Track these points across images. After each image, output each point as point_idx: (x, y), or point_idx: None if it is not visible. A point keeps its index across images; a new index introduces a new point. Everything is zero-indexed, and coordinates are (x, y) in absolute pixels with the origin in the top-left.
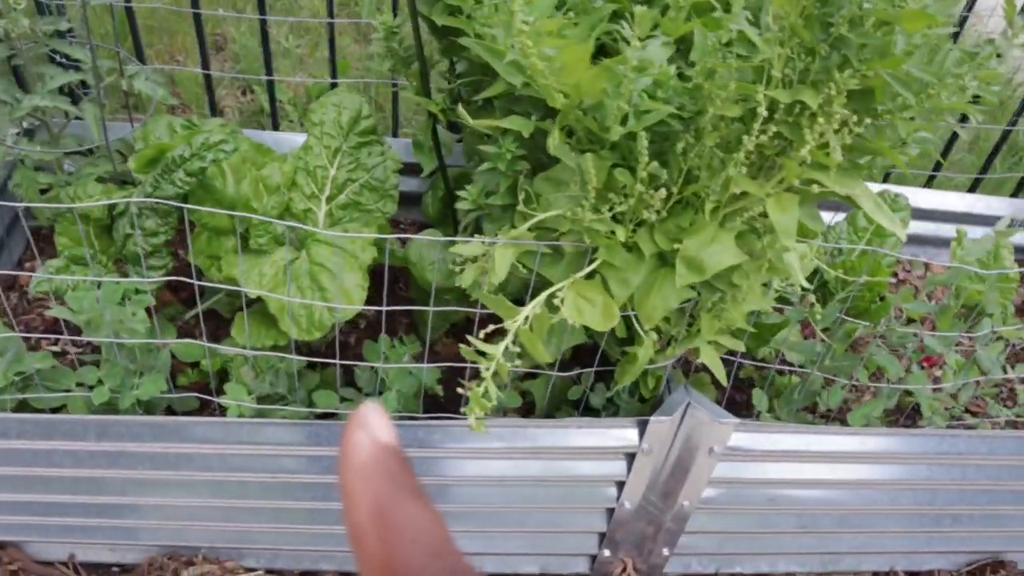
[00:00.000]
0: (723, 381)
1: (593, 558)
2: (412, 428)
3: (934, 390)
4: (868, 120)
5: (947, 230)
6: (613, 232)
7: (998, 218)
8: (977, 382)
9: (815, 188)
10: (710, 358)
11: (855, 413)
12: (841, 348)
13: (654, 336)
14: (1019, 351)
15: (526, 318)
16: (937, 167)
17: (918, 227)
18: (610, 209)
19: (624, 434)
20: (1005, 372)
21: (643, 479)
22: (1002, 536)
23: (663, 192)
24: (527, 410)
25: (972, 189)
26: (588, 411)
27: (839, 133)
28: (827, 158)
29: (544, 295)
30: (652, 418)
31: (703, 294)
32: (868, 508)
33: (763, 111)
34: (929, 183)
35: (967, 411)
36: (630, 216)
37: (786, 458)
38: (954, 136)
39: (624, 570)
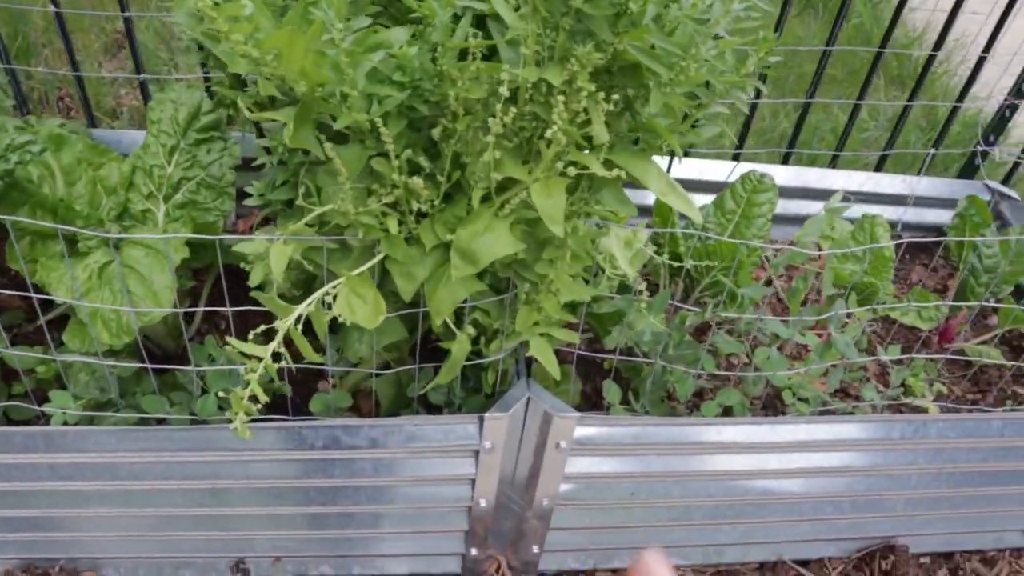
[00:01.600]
0: (555, 374)
1: (463, 557)
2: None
3: (792, 376)
4: (620, 97)
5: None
6: (385, 225)
7: (885, 195)
8: (864, 366)
9: (573, 170)
10: (540, 351)
11: (708, 404)
12: (680, 336)
13: (470, 331)
14: (902, 331)
15: (299, 317)
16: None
17: (799, 206)
18: (379, 201)
19: (464, 431)
20: (872, 354)
21: (493, 476)
22: (889, 520)
23: (420, 182)
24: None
25: (879, 168)
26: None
27: (599, 111)
28: (590, 139)
29: (318, 293)
30: (487, 415)
31: (519, 285)
32: (740, 499)
33: (504, 91)
34: (833, 162)
35: (848, 395)
36: (408, 208)
37: (642, 451)
38: (855, 110)
39: (498, 568)
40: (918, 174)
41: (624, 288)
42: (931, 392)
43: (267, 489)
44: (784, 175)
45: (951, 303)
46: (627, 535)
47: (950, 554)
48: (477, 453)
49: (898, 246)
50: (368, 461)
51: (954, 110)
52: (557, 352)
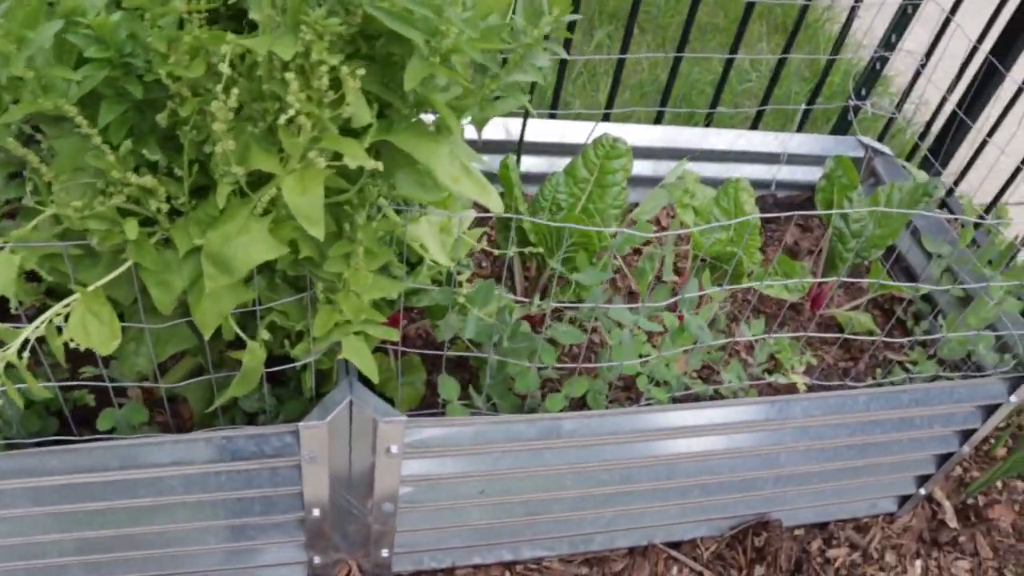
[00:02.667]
0: (372, 376)
1: (308, 564)
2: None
3: (643, 363)
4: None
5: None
6: (120, 227)
7: (758, 153)
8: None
9: (328, 161)
10: (355, 352)
11: (553, 397)
12: (512, 327)
13: (264, 335)
14: (772, 300)
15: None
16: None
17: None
18: (108, 200)
19: (281, 442)
20: (734, 332)
21: (322, 485)
22: (760, 498)
23: (150, 179)
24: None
25: (756, 123)
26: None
27: (352, 88)
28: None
29: (49, 313)
30: (302, 424)
31: (316, 284)
32: (601, 490)
33: (225, 68)
34: (709, 120)
35: (714, 371)
36: (158, 207)
37: (484, 450)
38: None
39: (349, 573)
40: (797, 130)
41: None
42: (801, 363)
43: (67, 514)
44: (651, 135)
45: (808, 280)
46: (484, 532)
47: (824, 524)
48: (298, 464)
49: (765, 209)
50: (177, 479)
51: (830, 62)
52: (390, 344)
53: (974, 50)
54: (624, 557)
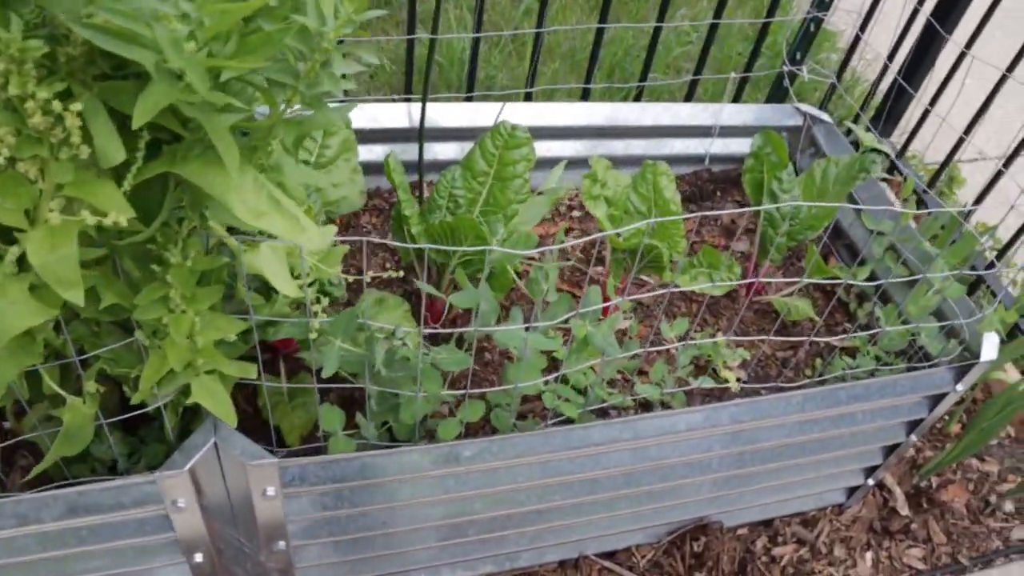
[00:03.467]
0: (229, 421)
1: None
2: None
3: (546, 382)
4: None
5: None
6: None
7: (688, 127)
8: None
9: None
10: (206, 394)
11: (446, 424)
12: (384, 356)
13: (92, 388)
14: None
15: None
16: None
17: (592, 147)
18: None
19: (141, 492)
20: (655, 331)
21: (197, 531)
22: (696, 503)
23: None
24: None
25: (688, 97)
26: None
27: (73, 121)
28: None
29: None
30: (158, 474)
31: (142, 329)
32: (518, 510)
33: None
34: (640, 94)
35: (642, 373)
36: None
37: (375, 483)
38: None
39: None
40: (735, 98)
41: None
42: (735, 358)
43: None
44: (572, 114)
45: (727, 283)
46: (396, 560)
47: (769, 521)
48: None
49: (700, 185)
50: (31, 537)
51: (765, 24)
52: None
53: (914, 13)
54: (554, 572)
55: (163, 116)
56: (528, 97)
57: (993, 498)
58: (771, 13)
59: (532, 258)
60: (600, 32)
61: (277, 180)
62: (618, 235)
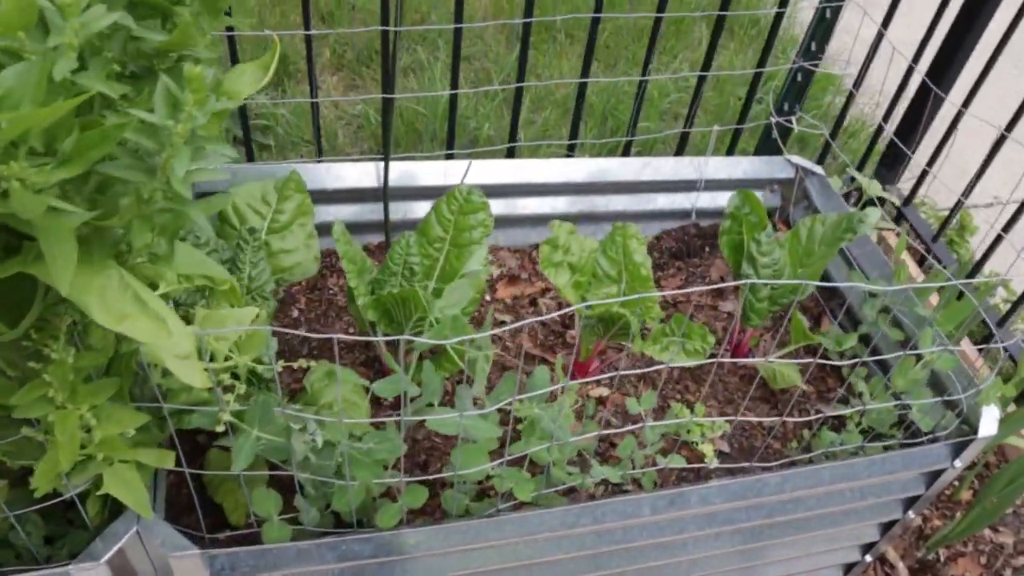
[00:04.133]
0: (144, 512)
1: None
2: None
3: (500, 463)
4: None
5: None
6: None
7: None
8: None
9: None
10: (120, 484)
11: (387, 509)
12: (309, 444)
13: None
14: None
15: None
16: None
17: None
18: None
19: None
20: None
21: None
22: None
23: None
24: None
25: (680, 149)
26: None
27: None
28: None
29: None
30: (73, 566)
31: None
32: None
33: None
34: (627, 149)
35: (613, 445)
36: None
37: (316, 570)
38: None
39: None
40: (729, 150)
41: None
42: (714, 430)
43: None
44: (551, 170)
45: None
46: None
47: None
48: None
49: (687, 241)
50: None
51: (759, 73)
52: None
53: (923, 45)
54: None
55: (6, 217)
56: (511, 152)
57: (1008, 572)
58: (763, 61)
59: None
60: (583, 87)
61: (158, 274)
62: (588, 307)
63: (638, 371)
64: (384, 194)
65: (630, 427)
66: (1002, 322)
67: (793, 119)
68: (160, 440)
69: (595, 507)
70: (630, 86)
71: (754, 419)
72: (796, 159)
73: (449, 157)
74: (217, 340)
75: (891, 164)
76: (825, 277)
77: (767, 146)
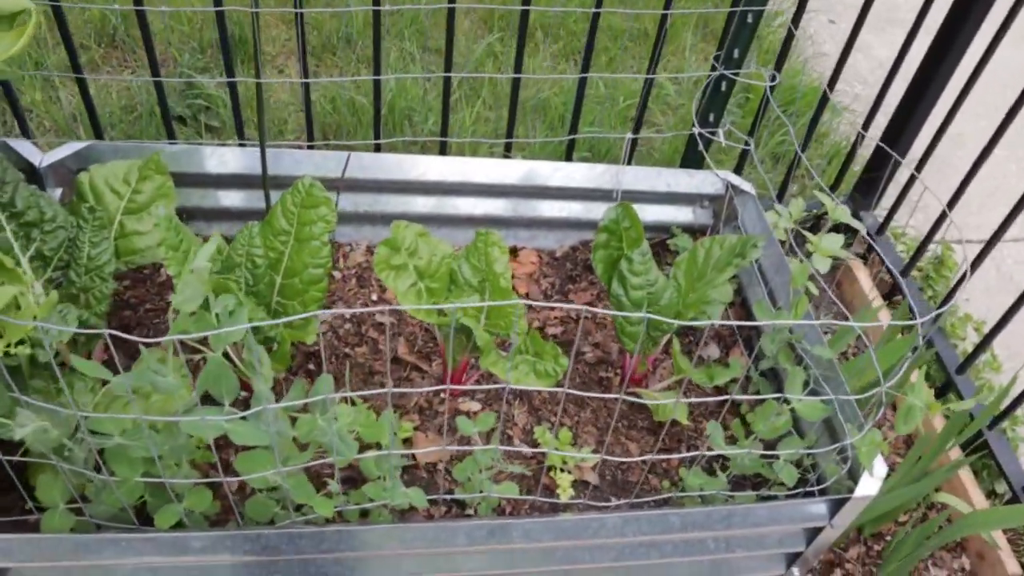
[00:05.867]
0: None
1: None
2: None
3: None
4: None
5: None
6: None
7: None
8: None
9: None
10: None
11: (164, 512)
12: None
13: None
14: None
15: None
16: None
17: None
18: None
19: None
20: (398, 448)
21: None
22: None
23: None
24: None
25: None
26: None
27: None
28: None
29: None
30: None
31: None
32: None
33: None
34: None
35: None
36: None
37: (100, 568)
38: (581, 83)
39: None
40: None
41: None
42: (584, 460)
43: None
44: (440, 169)
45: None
46: None
47: None
48: None
49: None
50: None
51: (719, 79)
52: None
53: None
54: None
55: None
56: (443, 148)
57: None
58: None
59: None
60: (516, 84)
61: None
62: (441, 313)
63: (486, 387)
64: (264, 182)
65: (467, 447)
66: (962, 368)
67: (720, 131)
68: None
69: (404, 529)
70: (595, 90)
71: (615, 458)
72: (724, 174)
73: (377, 148)
74: None
75: (867, 189)
76: (744, 304)
77: (692, 160)
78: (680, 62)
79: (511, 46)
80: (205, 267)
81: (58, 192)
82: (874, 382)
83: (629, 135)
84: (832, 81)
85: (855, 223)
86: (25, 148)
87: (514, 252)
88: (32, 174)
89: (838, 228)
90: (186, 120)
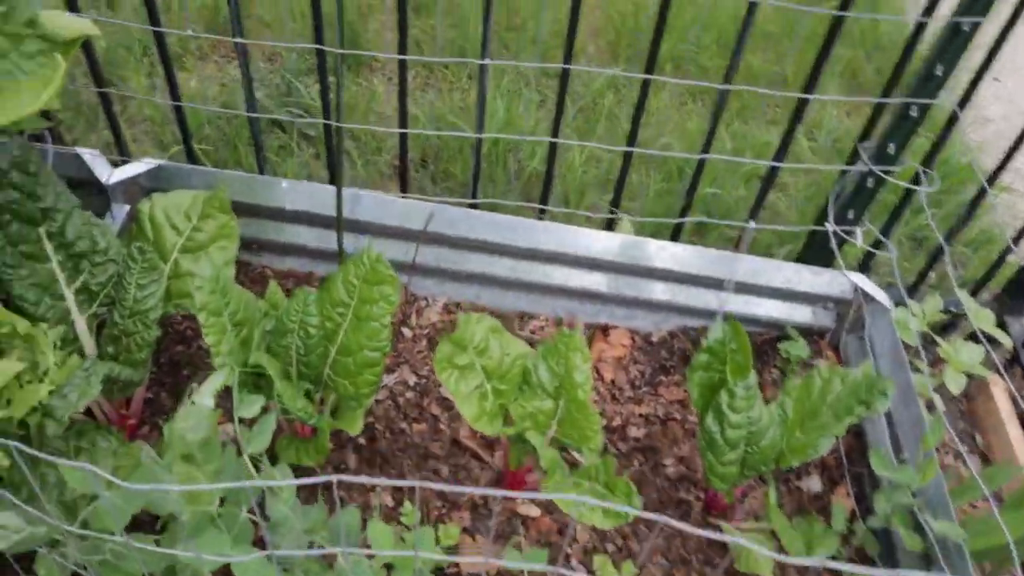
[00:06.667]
0: None
1: None
2: None
3: None
4: None
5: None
6: None
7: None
8: None
9: None
10: None
11: None
12: None
13: None
14: None
15: None
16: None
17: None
18: None
19: None
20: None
21: None
22: None
23: None
24: None
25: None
26: None
27: None
28: None
29: None
30: None
31: None
32: None
33: None
34: (677, 233)
35: None
36: None
37: None
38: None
39: None
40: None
41: None
42: None
43: None
44: (536, 237)
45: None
46: None
47: None
48: None
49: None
50: None
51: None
52: None
53: None
54: None
55: None
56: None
57: None
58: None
59: None
60: (554, 147)
61: None
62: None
63: (546, 496)
64: (339, 226)
65: (516, 563)
66: None
67: (858, 231)
68: None
69: None
70: (721, 143)
71: None
72: (856, 277)
73: (473, 204)
74: None
75: (1019, 291)
76: (860, 433)
77: (815, 255)
78: (821, 115)
79: (634, 82)
80: (208, 405)
81: (125, 209)
82: (1003, 547)
83: (751, 224)
84: (996, 171)
85: (1000, 335)
86: (97, 163)
87: (605, 331)
88: (100, 190)
89: (973, 338)
90: (284, 127)
